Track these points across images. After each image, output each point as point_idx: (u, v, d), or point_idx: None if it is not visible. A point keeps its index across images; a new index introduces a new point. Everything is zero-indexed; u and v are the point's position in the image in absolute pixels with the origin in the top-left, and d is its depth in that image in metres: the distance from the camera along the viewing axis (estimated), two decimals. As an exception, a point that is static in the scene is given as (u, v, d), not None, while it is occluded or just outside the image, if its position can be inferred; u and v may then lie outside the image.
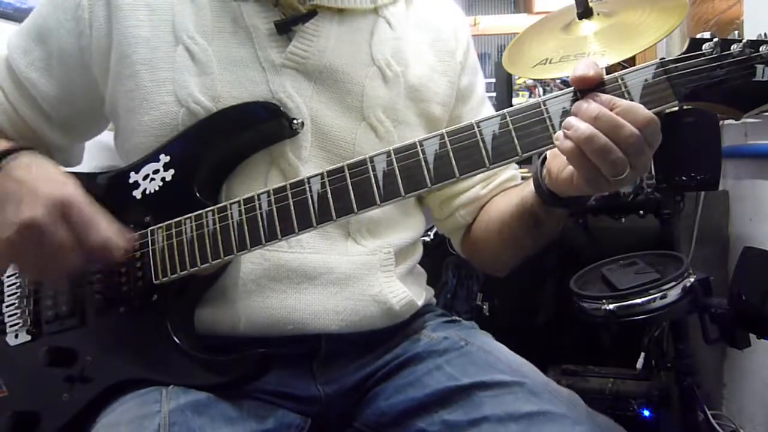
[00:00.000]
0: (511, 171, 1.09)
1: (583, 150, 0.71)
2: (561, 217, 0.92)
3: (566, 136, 0.71)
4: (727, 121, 2.07)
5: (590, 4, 1.39)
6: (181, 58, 0.90)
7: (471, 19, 3.29)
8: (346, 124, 0.94)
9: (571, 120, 0.72)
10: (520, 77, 2.43)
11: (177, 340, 0.85)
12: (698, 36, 0.70)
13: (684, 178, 1.80)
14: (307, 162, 0.92)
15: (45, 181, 0.82)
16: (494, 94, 2.58)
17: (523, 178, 1.11)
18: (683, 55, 0.71)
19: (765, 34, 0.68)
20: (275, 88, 0.91)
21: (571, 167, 0.77)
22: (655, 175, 1.86)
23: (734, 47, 0.69)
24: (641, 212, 1.93)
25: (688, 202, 2.06)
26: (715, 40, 0.69)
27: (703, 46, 0.70)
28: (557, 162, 0.81)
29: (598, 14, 1.39)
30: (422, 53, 1.02)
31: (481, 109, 1.10)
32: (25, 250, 0.80)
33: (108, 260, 0.83)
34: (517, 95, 2.53)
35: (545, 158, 0.85)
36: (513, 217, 0.96)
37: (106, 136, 1.06)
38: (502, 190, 1.07)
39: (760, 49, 0.68)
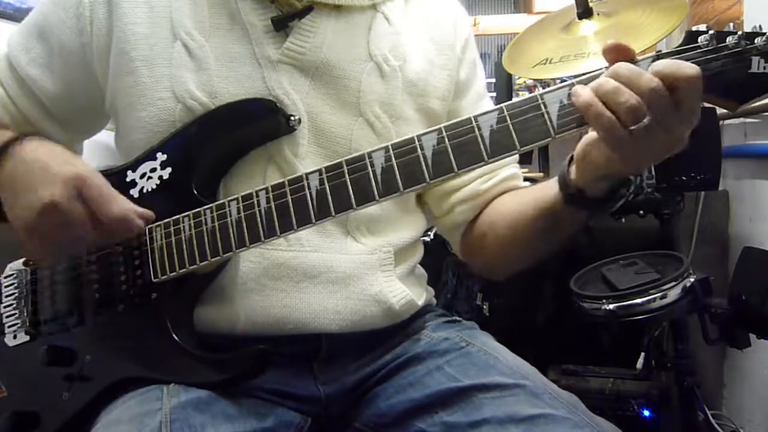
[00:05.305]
0: (512, 169, 1.07)
1: (599, 96, 0.70)
2: (577, 222, 0.90)
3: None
4: (727, 121, 2.07)
5: (590, 4, 1.39)
6: (179, 54, 0.90)
7: (471, 19, 3.26)
8: (342, 120, 0.94)
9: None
10: (520, 77, 2.43)
11: (176, 339, 0.85)
12: (694, 29, 0.70)
13: (684, 178, 1.80)
14: (304, 158, 0.91)
15: (55, 161, 0.83)
16: (494, 94, 2.59)
17: (526, 179, 1.09)
18: (679, 48, 0.70)
19: (760, 26, 0.68)
20: (272, 84, 0.91)
21: (593, 145, 0.76)
22: (655, 175, 1.86)
23: (729, 39, 0.69)
24: (641, 212, 1.93)
25: (688, 202, 2.06)
26: (711, 32, 0.69)
27: (699, 39, 0.70)
28: (582, 149, 0.80)
29: (598, 14, 1.39)
30: (422, 48, 1.01)
31: (478, 104, 1.08)
32: (45, 231, 0.82)
33: (127, 235, 0.85)
34: (517, 95, 2.52)
35: (572, 157, 0.83)
36: (528, 217, 0.94)
37: (106, 136, 1.07)
38: (506, 189, 1.05)
39: (755, 40, 0.68)
